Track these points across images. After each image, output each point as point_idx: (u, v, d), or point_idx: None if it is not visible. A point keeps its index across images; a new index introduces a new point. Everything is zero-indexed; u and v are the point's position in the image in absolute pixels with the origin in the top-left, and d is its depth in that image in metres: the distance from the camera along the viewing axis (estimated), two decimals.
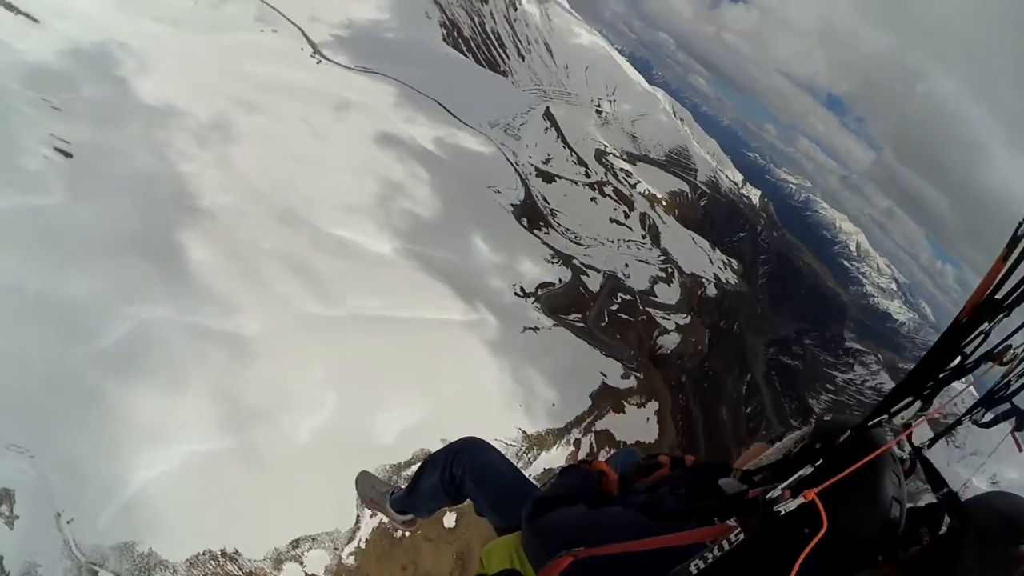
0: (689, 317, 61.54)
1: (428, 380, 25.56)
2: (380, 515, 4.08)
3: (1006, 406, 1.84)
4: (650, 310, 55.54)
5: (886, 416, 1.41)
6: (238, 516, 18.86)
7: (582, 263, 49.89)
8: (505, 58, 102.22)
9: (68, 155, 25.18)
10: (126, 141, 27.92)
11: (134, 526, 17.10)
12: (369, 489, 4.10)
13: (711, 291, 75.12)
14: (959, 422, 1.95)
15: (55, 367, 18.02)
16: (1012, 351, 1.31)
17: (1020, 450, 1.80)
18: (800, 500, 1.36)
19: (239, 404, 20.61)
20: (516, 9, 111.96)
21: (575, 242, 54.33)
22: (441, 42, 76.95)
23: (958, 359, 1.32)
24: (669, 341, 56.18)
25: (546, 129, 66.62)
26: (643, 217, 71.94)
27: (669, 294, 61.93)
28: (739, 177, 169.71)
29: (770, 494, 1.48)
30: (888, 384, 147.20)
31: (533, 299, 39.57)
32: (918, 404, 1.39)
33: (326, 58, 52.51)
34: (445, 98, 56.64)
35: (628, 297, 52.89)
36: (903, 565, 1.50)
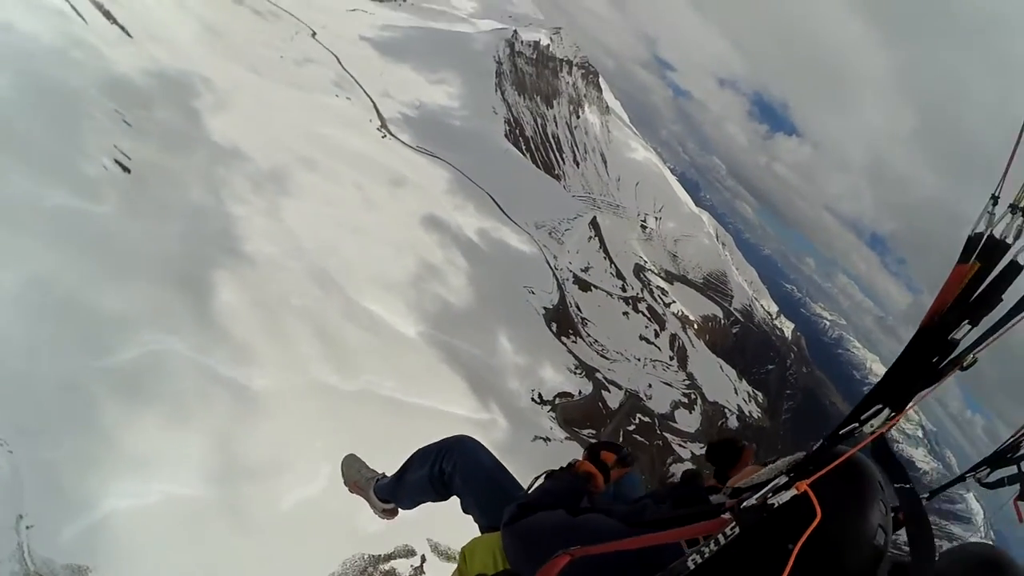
0: (706, 448, 59.51)
1: None
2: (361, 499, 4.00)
3: (1012, 470, 1.90)
4: (667, 435, 54.11)
5: (856, 424, 1.37)
6: (202, 567, 17.57)
7: (605, 377, 49.22)
8: (561, 162, 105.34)
9: (127, 170, 25.74)
10: (186, 170, 28.68)
11: (92, 551, 16.03)
12: (355, 473, 4.10)
13: (732, 422, 73.09)
14: (963, 478, 2.02)
15: (61, 370, 17.63)
16: (973, 355, 1.28)
17: (1021, 521, 1.81)
18: (792, 492, 1.36)
19: (231, 456, 19.92)
20: (579, 117, 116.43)
21: (602, 355, 53.75)
22: (503, 138, 79.72)
23: (927, 365, 1.30)
24: (681, 471, 54.10)
25: (590, 238, 67.63)
26: (673, 338, 71.38)
27: (689, 421, 60.40)
28: (774, 308, 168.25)
29: (744, 503, 1.46)
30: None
31: (549, 407, 38.82)
32: (887, 412, 1.33)
33: (391, 133, 54.68)
34: (497, 192, 58.20)
35: (647, 419, 51.72)
36: None
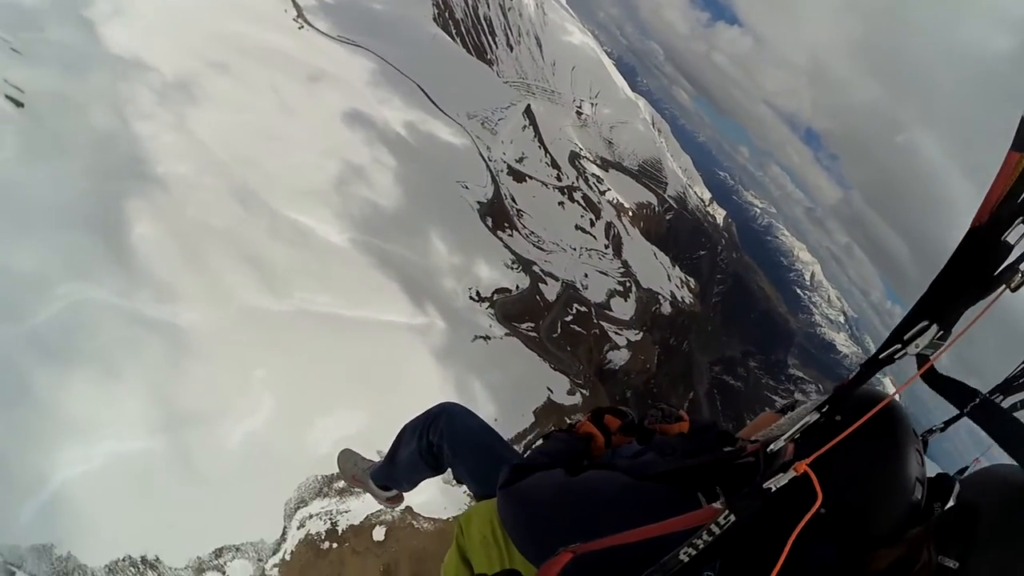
0: (641, 334, 61.68)
1: (369, 387, 24.46)
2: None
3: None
4: (604, 324, 55.42)
5: (899, 346, 1.21)
6: (161, 522, 17.85)
7: (542, 270, 49.29)
8: (493, 47, 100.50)
9: (20, 104, 23.12)
10: (86, 94, 25.84)
11: (53, 527, 16.08)
12: (351, 466, 4.00)
13: (666, 309, 75.57)
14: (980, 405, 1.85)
15: None
16: (1022, 273, 1.13)
17: None
18: (791, 474, 1.27)
19: (171, 402, 19.46)
20: None
21: (538, 247, 53.56)
22: (431, 21, 74.75)
23: (978, 273, 1.14)
24: (619, 357, 56.15)
25: (524, 127, 65.62)
26: (608, 226, 71.75)
27: (624, 309, 61.91)
28: (707, 195, 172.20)
29: (771, 447, 1.41)
30: None
31: (488, 304, 38.78)
32: (934, 329, 1.16)
33: (308, 23, 50.16)
34: (425, 81, 54.99)
35: (583, 309, 52.57)
36: (915, 541, 1.41)
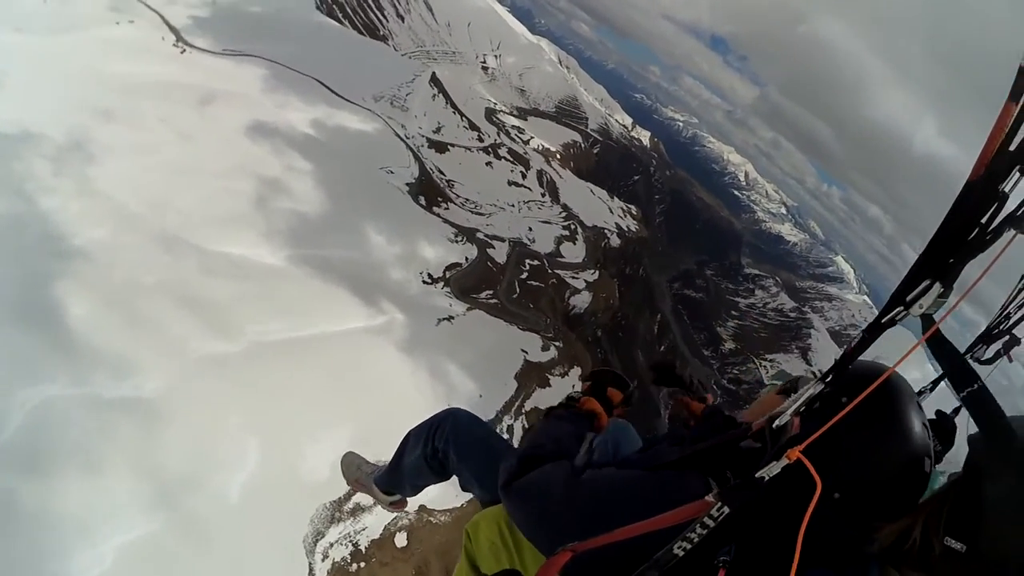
0: (597, 272, 62.33)
1: (347, 400, 24.17)
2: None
3: (1005, 339, 1.90)
4: (559, 272, 55.74)
5: (902, 308, 1.18)
6: None
7: (486, 235, 49.04)
8: (384, 21, 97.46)
9: None
10: None
11: None
12: (355, 471, 3.88)
13: (614, 241, 76.34)
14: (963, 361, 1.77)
15: None
16: None
17: (1011, 361, 1.93)
18: (784, 462, 1.24)
19: (160, 476, 19.05)
20: None
21: (476, 212, 53.16)
22: (315, 11, 71.84)
23: (977, 227, 1.10)
24: (581, 300, 56.72)
25: (434, 96, 64.31)
26: (540, 174, 71.67)
27: (575, 252, 62.33)
28: (628, 120, 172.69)
29: (777, 422, 1.38)
30: (788, 304, 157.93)
31: (443, 283, 38.48)
32: (937, 287, 1.14)
33: (189, 45, 47.64)
34: (323, 74, 53.04)
35: (536, 262, 52.73)
36: (925, 508, 1.35)
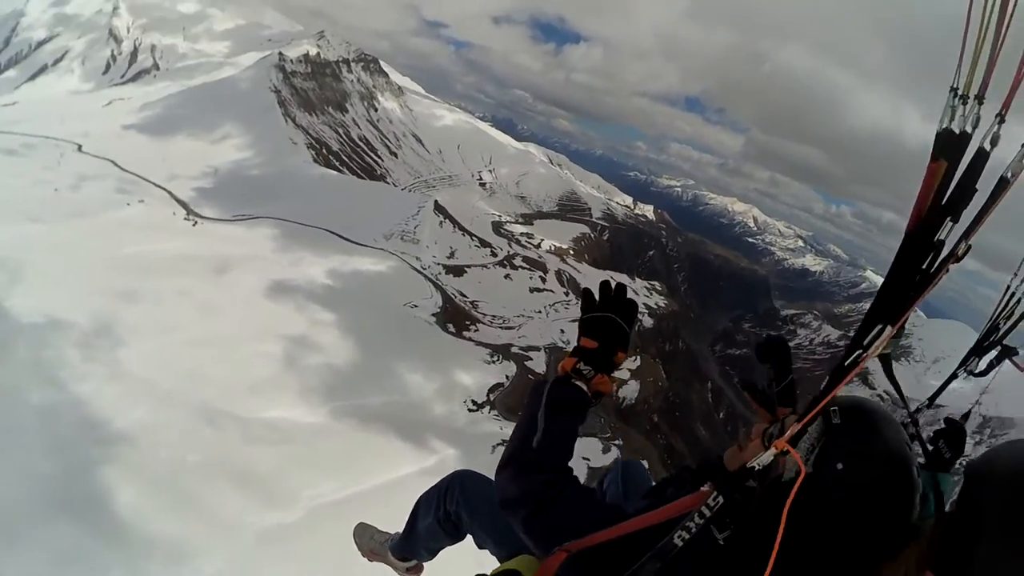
0: (638, 358, 60.85)
1: None
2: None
3: (997, 349, 1.91)
4: None
5: (860, 350, 1.27)
6: None
7: (520, 348, 48.34)
8: (379, 160, 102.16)
9: None
10: (14, 374, 24.40)
11: None
12: (368, 540, 3.91)
13: (647, 322, 75.22)
14: (955, 376, 1.96)
15: None
16: (966, 244, 1.21)
17: (1021, 370, 1.90)
18: (773, 451, 1.32)
19: None
20: (376, 110, 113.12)
21: (506, 327, 52.75)
22: (312, 164, 75.55)
23: (919, 271, 1.25)
24: (630, 391, 55.04)
25: (441, 222, 65.74)
26: (559, 274, 71.76)
27: None
28: (628, 199, 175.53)
29: (758, 464, 1.39)
30: (833, 334, 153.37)
31: (488, 407, 37.41)
32: (889, 330, 1.26)
33: (199, 216, 49.75)
34: (331, 223, 54.68)
35: None
36: (910, 556, 1.34)
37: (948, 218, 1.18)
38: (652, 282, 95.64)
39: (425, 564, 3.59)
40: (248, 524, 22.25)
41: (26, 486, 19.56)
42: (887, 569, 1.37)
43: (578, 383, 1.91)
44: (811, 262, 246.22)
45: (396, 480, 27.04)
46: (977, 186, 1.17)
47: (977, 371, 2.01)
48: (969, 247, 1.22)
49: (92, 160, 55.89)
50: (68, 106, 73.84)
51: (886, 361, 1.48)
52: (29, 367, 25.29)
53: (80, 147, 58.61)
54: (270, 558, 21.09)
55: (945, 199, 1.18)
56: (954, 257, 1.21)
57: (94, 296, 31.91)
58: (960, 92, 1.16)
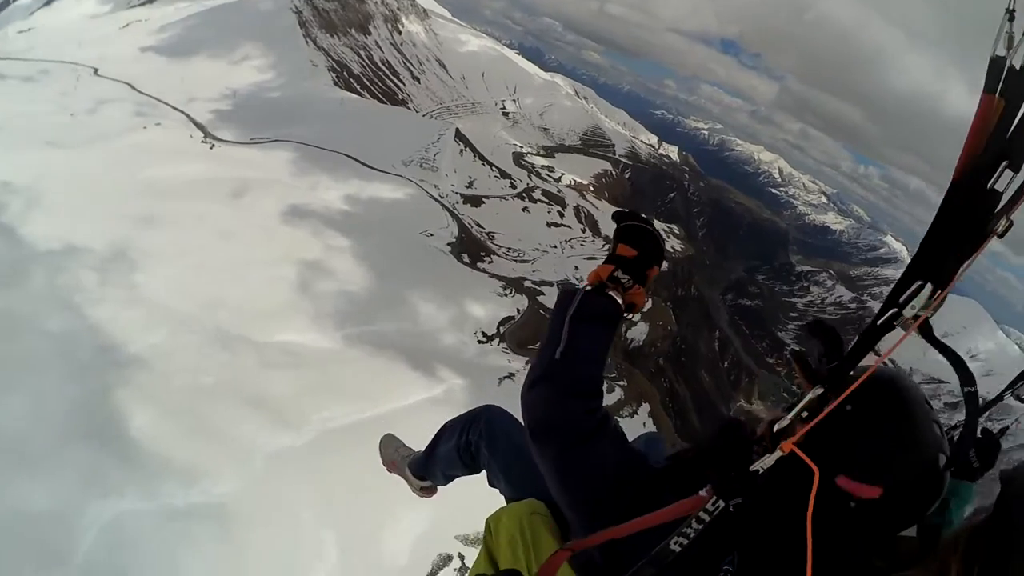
0: (650, 300, 60.86)
1: None
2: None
3: None
4: None
5: (896, 308, 1.16)
6: None
7: (533, 282, 48.36)
8: (401, 85, 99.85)
9: None
10: (30, 301, 24.62)
11: None
12: (392, 452, 4.02)
13: (663, 266, 74.81)
14: (1000, 398, 1.81)
15: None
16: (1007, 218, 1.08)
17: None
18: (778, 454, 1.24)
19: None
20: (400, 33, 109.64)
21: (520, 260, 52.72)
22: (333, 87, 74.10)
23: (968, 224, 1.10)
24: (639, 332, 55.35)
25: (461, 151, 64.83)
26: (577, 210, 71.06)
27: None
28: (654, 139, 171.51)
29: (777, 425, 1.35)
30: (846, 296, 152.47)
31: (498, 340, 37.76)
32: (929, 288, 1.13)
33: (217, 139, 49.37)
34: (350, 147, 54.00)
35: None
36: (956, 550, 1.24)
37: (1004, 163, 1.03)
38: (671, 225, 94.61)
39: (439, 489, 3.69)
40: (259, 446, 22.75)
41: (43, 415, 20.06)
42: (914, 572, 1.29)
43: (613, 293, 1.84)
44: (832, 220, 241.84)
45: (404, 408, 27.55)
46: None
47: None
48: (1011, 224, 1.09)
49: (109, 84, 55.07)
50: (85, 30, 72.17)
51: (925, 323, 1.24)
52: (46, 293, 25.50)
53: (97, 71, 57.64)
54: (280, 479, 21.65)
55: (1007, 137, 1.02)
56: (1007, 216, 1.07)
57: (111, 221, 31.88)
58: (1017, 14, 0.98)
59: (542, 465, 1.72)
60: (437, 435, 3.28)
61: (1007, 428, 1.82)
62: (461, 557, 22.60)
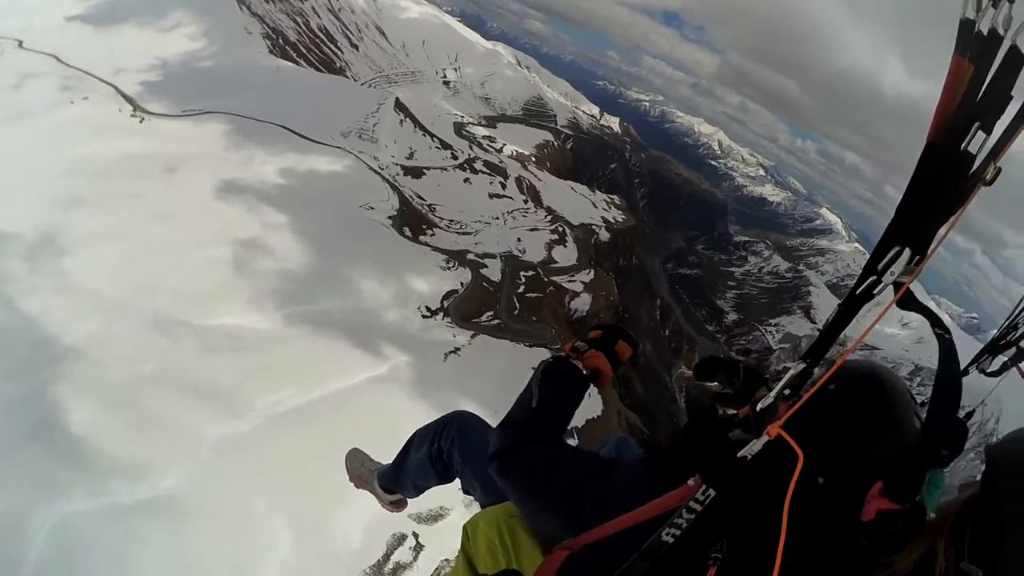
0: (592, 271, 61.66)
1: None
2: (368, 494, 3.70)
3: (1012, 351, 1.89)
4: (555, 279, 55.00)
5: (874, 276, 1.18)
6: None
7: (476, 255, 48.33)
8: (339, 53, 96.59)
9: None
10: None
11: None
12: (358, 467, 3.90)
13: (604, 235, 75.65)
14: (966, 372, 1.82)
15: None
16: (995, 165, 1.08)
17: (1022, 376, 1.86)
18: (765, 439, 1.27)
19: (197, 574, 18.41)
20: None
21: (463, 232, 52.44)
22: (268, 55, 71.10)
23: (944, 186, 1.10)
24: (582, 303, 56.00)
25: (401, 121, 63.57)
26: (519, 181, 70.99)
27: (567, 254, 61.62)
28: (595, 109, 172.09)
29: (760, 404, 1.41)
30: (783, 265, 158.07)
31: (442, 314, 37.71)
32: (907, 253, 1.13)
33: (147, 112, 46.95)
34: (286, 118, 52.30)
35: (530, 273, 52.01)
36: (942, 528, 1.28)
37: (976, 125, 1.03)
38: (612, 196, 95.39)
39: (409, 501, 3.62)
40: (205, 436, 22.54)
41: None
42: (899, 561, 1.31)
43: (573, 361, 2.10)
44: (770, 192, 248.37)
45: (350, 387, 27.49)
46: (1012, 93, 1.02)
47: (989, 370, 1.99)
48: (999, 170, 1.10)
49: (34, 56, 51.76)
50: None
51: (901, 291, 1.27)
52: None
53: (21, 43, 54.06)
54: (228, 468, 21.51)
55: (977, 99, 1.03)
56: (984, 175, 1.08)
57: (39, 204, 30.38)
58: None
59: (506, 490, 1.87)
60: (407, 444, 3.21)
61: (972, 412, 1.87)
62: (415, 536, 22.87)
